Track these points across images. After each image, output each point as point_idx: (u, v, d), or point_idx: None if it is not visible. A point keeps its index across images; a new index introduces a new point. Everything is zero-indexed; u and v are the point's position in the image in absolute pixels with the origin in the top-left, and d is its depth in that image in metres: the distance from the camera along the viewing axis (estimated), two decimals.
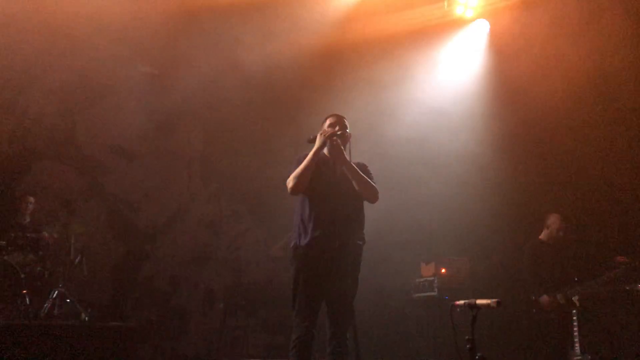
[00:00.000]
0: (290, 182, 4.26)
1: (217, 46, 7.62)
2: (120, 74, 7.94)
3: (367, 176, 4.37)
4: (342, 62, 7.83)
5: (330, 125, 4.41)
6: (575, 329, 6.29)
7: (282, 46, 7.59)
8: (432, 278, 7.32)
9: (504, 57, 7.80)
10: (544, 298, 6.36)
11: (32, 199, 6.92)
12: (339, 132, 4.31)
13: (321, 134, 4.31)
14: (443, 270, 7.35)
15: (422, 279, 7.46)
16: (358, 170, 4.30)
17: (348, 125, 4.46)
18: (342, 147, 4.31)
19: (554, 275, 6.48)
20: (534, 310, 6.41)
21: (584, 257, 6.74)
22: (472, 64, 8.10)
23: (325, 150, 4.39)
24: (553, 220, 6.75)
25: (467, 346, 3.36)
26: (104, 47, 7.70)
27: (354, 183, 4.25)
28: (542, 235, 6.77)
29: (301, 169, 4.24)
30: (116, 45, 7.68)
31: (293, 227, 4.37)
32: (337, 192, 4.28)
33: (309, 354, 4.11)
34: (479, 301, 3.46)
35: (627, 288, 6.74)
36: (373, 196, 4.33)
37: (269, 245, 8.32)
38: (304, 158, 4.33)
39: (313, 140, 4.34)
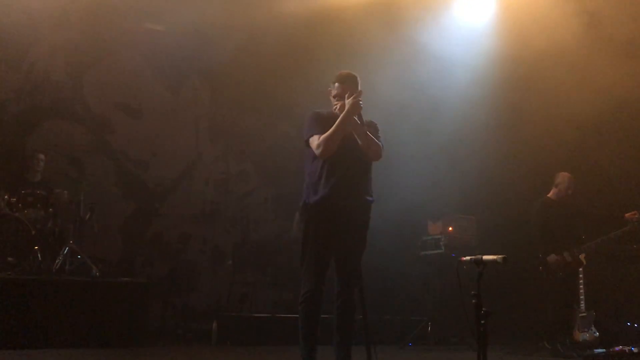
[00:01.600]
0: (321, 145, 4.19)
1: (223, 2, 7.51)
2: (126, 31, 7.87)
3: (375, 135, 4.34)
4: (351, 18, 7.70)
5: (347, 89, 4.30)
6: (581, 286, 6.35)
7: (289, 2, 7.47)
8: (439, 236, 7.36)
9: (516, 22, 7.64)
10: (552, 257, 6.38)
11: (42, 156, 6.94)
12: (355, 95, 4.23)
13: (353, 98, 4.21)
14: (450, 229, 7.39)
15: (429, 237, 7.51)
16: (364, 128, 4.26)
17: (359, 83, 4.40)
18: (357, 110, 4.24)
19: (561, 233, 6.49)
20: (541, 268, 6.44)
21: (593, 215, 6.73)
22: (481, 11, 7.92)
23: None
24: (562, 178, 6.71)
25: (473, 301, 3.39)
26: (109, 3, 7.61)
27: (358, 139, 4.22)
28: (551, 194, 6.75)
29: (332, 133, 4.18)
30: (122, 2, 7.59)
31: (304, 185, 4.37)
32: (347, 150, 4.26)
33: (317, 309, 4.16)
34: (485, 257, 3.48)
35: (635, 246, 6.78)
36: (375, 154, 4.30)
37: (279, 207, 8.38)
38: (321, 117, 4.30)
39: (338, 96, 4.32)
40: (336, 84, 4.39)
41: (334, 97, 4.42)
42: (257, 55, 8.05)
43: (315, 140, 4.23)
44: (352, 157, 4.27)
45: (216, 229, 8.31)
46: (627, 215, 6.33)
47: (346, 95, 4.24)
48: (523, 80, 7.77)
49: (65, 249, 6.36)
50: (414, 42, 7.69)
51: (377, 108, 4.81)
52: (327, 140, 4.18)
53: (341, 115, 4.20)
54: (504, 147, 8.01)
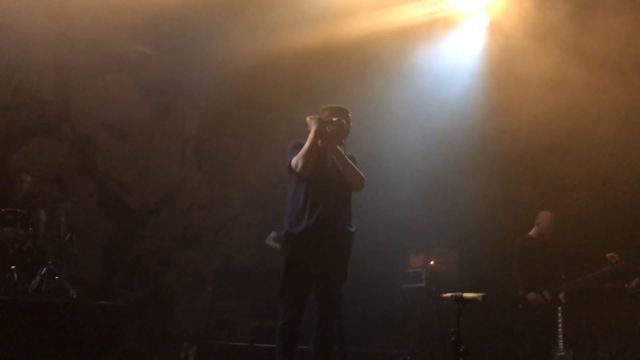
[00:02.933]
0: (299, 161, 4.24)
1: (214, 34, 7.58)
2: (117, 53, 7.90)
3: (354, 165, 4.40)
4: (338, 55, 7.80)
5: (330, 115, 4.39)
6: (560, 325, 6.36)
7: (277, 38, 7.55)
8: (420, 269, 7.37)
9: (503, 52, 7.79)
10: (531, 295, 6.41)
11: (28, 178, 6.86)
12: (333, 120, 4.31)
13: (311, 118, 4.31)
14: (432, 262, 7.40)
15: (410, 270, 7.51)
16: (345, 157, 4.32)
17: (350, 119, 4.47)
18: (336, 136, 4.32)
19: (541, 272, 6.53)
20: (521, 306, 6.46)
21: (573, 254, 6.78)
22: (470, 58, 8.09)
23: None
24: (543, 217, 6.78)
25: (452, 338, 3.40)
26: (103, 25, 7.63)
27: (341, 169, 4.26)
28: (532, 232, 6.81)
29: (306, 149, 4.24)
30: (115, 24, 7.62)
31: (285, 214, 4.38)
32: (329, 181, 4.30)
33: (295, 341, 4.14)
34: (465, 294, 3.50)
35: (613, 286, 6.83)
36: (359, 183, 4.36)
37: (262, 233, 8.34)
38: (301, 144, 4.34)
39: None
40: (327, 114, 4.42)
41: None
42: (245, 84, 8.10)
43: (294, 161, 4.28)
44: (335, 186, 4.31)
45: (197, 254, 8.25)
46: (607, 255, 6.39)
47: (309, 118, 4.31)
48: (509, 115, 7.88)
49: (43, 270, 6.28)
50: (398, 73, 7.81)
51: (361, 139, 4.86)
52: (303, 155, 4.22)
53: (311, 134, 4.25)
54: (488, 183, 8.07)
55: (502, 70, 7.77)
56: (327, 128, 4.30)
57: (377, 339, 7.50)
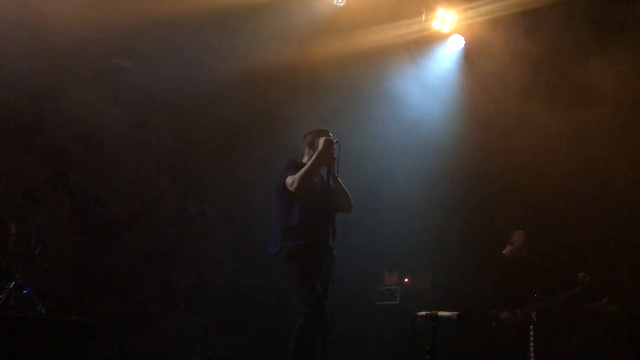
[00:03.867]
0: (296, 181, 4.38)
1: (192, 48, 7.57)
2: (92, 64, 7.82)
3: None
4: (318, 72, 7.86)
5: (313, 139, 4.67)
6: (532, 344, 6.41)
7: (257, 55, 7.58)
8: (395, 287, 7.38)
9: (478, 74, 7.93)
10: (504, 314, 6.46)
11: None
12: (335, 141, 4.55)
13: (326, 139, 4.51)
14: (406, 280, 7.42)
15: (385, 287, 7.51)
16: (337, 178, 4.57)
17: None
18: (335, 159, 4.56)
19: (514, 290, 6.58)
20: (493, 324, 6.49)
21: (546, 273, 6.86)
22: (447, 79, 8.21)
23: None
24: (517, 237, 6.86)
25: (427, 357, 3.40)
26: (78, 37, 7.56)
27: (338, 193, 4.40)
28: (506, 251, 6.88)
29: (309, 169, 4.41)
30: (91, 36, 7.56)
31: (275, 232, 4.43)
32: (323, 201, 4.44)
33: (319, 334, 4.30)
34: (440, 313, 3.51)
35: (586, 306, 6.92)
36: (351, 206, 4.68)
37: (236, 250, 8.29)
38: (296, 163, 4.57)
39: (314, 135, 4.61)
40: (320, 138, 4.59)
41: (312, 147, 4.63)
42: (222, 99, 8.08)
43: (293, 182, 4.34)
44: (326, 208, 4.48)
45: (170, 269, 8.14)
46: (579, 275, 6.47)
47: (320, 139, 4.50)
48: (485, 135, 7.99)
49: (11, 284, 6.13)
50: (379, 93, 7.88)
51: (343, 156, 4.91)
52: (303, 176, 4.36)
53: (315, 153, 4.37)
54: (462, 201, 8.14)
55: (476, 89, 7.90)
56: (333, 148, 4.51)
57: (352, 357, 7.47)
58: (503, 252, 6.87)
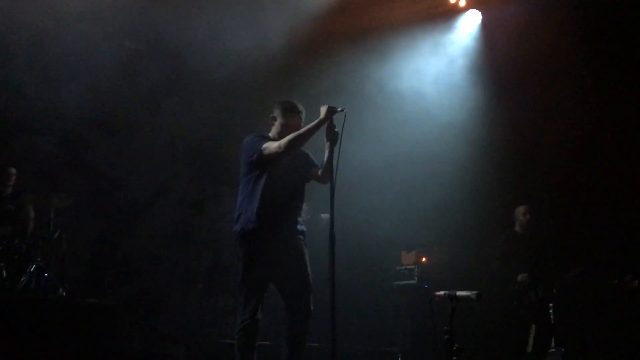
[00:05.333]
0: (284, 144, 4.17)
1: (206, 25, 7.52)
2: (106, 49, 7.81)
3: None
4: (332, 51, 7.79)
5: (283, 111, 4.46)
6: (552, 321, 6.38)
7: (272, 31, 7.51)
8: (412, 266, 7.38)
9: (495, 49, 7.82)
10: (529, 294, 6.43)
11: (14, 170, 6.80)
12: (338, 110, 4.21)
13: (328, 107, 4.21)
14: (423, 259, 7.42)
15: (402, 267, 7.51)
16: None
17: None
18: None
19: (532, 267, 6.53)
20: (515, 303, 6.45)
21: (560, 248, 6.81)
22: (463, 56, 8.11)
23: None
24: (517, 212, 6.86)
25: (446, 337, 3.39)
26: (90, 21, 7.55)
27: (327, 166, 4.16)
28: (516, 227, 6.86)
29: (301, 133, 4.21)
30: (105, 19, 7.54)
31: (238, 209, 4.36)
32: (288, 179, 4.34)
33: (255, 338, 4.18)
34: (459, 293, 3.48)
35: (603, 282, 6.86)
36: (329, 179, 4.19)
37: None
38: (263, 136, 4.36)
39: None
40: (322, 106, 4.30)
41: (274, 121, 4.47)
42: (236, 79, 8.04)
43: (273, 144, 4.22)
44: (293, 184, 4.35)
45: (188, 251, 8.19)
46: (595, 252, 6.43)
47: (322, 107, 4.23)
48: (499, 113, 7.90)
49: (31, 267, 6.21)
50: (401, 91, 7.83)
51: (352, 138, 4.84)
52: (290, 139, 4.17)
53: (317, 120, 4.20)
54: (478, 180, 8.07)
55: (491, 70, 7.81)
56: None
57: (369, 337, 7.50)
58: (514, 228, 6.85)
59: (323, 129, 4.19)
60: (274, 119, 4.47)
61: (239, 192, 4.42)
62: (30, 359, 5.42)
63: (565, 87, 7.48)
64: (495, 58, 7.89)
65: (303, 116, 4.46)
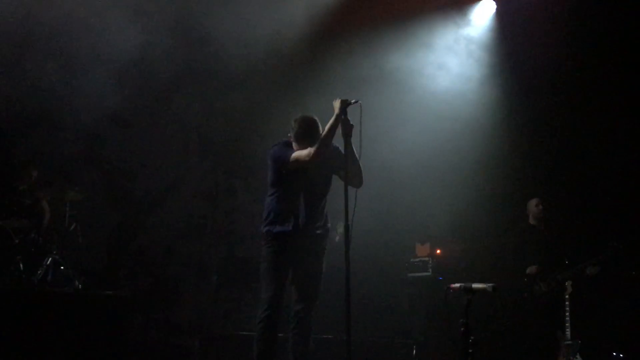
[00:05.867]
0: (313, 151, 4.22)
1: (219, 16, 7.50)
2: (119, 41, 7.82)
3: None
4: (345, 40, 7.75)
5: (300, 128, 4.42)
6: (567, 314, 6.33)
7: (284, 19, 7.48)
8: (426, 258, 7.36)
9: (510, 40, 7.75)
10: (539, 285, 6.40)
11: (36, 173, 6.78)
12: (352, 102, 4.23)
13: (342, 100, 4.23)
14: (438, 251, 7.40)
15: (416, 259, 7.49)
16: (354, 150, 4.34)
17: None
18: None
19: (545, 259, 6.51)
20: (525, 295, 6.43)
21: (574, 239, 6.76)
22: (478, 49, 8.04)
23: None
24: (530, 205, 6.85)
25: (461, 329, 3.37)
26: (104, 14, 7.57)
27: (349, 163, 4.21)
28: (530, 220, 6.83)
29: (326, 136, 4.23)
30: (115, 12, 7.55)
31: (267, 210, 4.46)
32: (316, 182, 4.39)
33: (275, 330, 4.27)
34: (474, 285, 3.46)
35: (620, 273, 6.81)
36: (361, 182, 4.37)
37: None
38: (288, 142, 4.41)
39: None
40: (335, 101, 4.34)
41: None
42: (250, 71, 8.03)
43: (302, 154, 4.26)
44: (319, 187, 4.40)
45: (202, 243, 8.22)
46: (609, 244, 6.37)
47: (335, 101, 4.26)
48: (516, 107, 7.84)
49: (47, 260, 6.26)
50: (416, 82, 7.78)
51: (366, 130, 4.82)
52: (321, 144, 4.20)
53: (333, 117, 4.21)
54: (493, 172, 8.02)
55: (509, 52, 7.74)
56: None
57: (384, 329, 7.49)
58: (529, 221, 6.83)
59: None
60: (292, 129, 4.47)
61: (268, 193, 4.53)
62: (47, 350, 5.48)
63: (582, 79, 7.40)
64: (510, 50, 7.81)
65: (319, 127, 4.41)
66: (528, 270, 6.45)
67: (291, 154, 4.31)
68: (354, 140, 4.24)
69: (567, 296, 6.33)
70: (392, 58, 7.80)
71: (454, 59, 7.94)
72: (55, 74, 7.63)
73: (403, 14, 7.67)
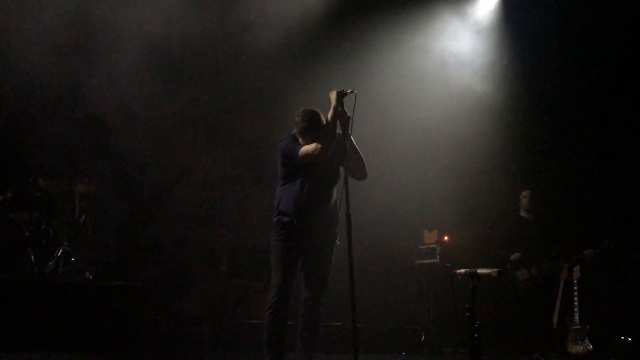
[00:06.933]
0: (319, 146, 4.23)
1: (224, 6, 7.51)
2: (126, 34, 7.84)
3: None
4: (350, 28, 7.73)
5: (303, 121, 4.41)
6: (576, 299, 6.34)
7: (289, 10, 7.47)
8: (434, 245, 7.38)
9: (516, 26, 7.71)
10: (521, 272, 6.47)
11: (42, 183, 6.77)
12: (347, 92, 4.22)
13: (337, 91, 4.23)
14: (446, 238, 7.41)
15: (424, 246, 7.52)
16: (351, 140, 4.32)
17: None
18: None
19: (528, 247, 6.55)
20: (507, 280, 6.49)
21: (561, 232, 6.78)
22: (484, 31, 8.01)
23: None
24: (521, 196, 6.89)
25: (467, 314, 3.39)
26: (109, 7, 7.59)
27: (353, 159, 4.24)
28: (521, 212, 6.88)
29: (329, 130, 4.25)
30: (123, 5, 7.57)
31: (277, 200, 4.48)
32: (325, 173, 4.38)
33: (285, 316, 4.30)
34: (479, 270, 3.48)
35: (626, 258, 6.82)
36: (365, 174, 4.42)
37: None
38: (295, 136, 4.41)
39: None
40: (331, 92, 4.35)
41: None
42: (257, 61, 8.03)
43: (309, 149, 4.27)
44: (328, 177, 4.40)
45: (211, 233, 8.27)
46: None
47: (331, 93, 4.27)
48: (523, 94, 7.82)
49: (58, 251, 6.33)
50: (420, 68, 7.75)
51: (372, 117, 4.82)
52: (327, 139, 4.22)
53: (332, 110, 4.23)
54: (502, 158, 8.01)
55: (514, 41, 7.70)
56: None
57: (392, 315, 7.53)
58: (519, 213, 6.89)
59: None
60: (296, 124, 4.47)
61: (278, 184, 4.55)
62: (59, 340, 5.56)
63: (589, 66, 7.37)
64: (516, 35, 7.78)
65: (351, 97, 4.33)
66: (512, 257, 6.53)
67: (299, 150, 4.32)
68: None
69: (575, 281, 6.36)
70: (400, 45, 7.79)
71: (459, 45, 7.91)
72: (62, 67, 7.68)
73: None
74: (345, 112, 4.19)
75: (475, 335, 3.34)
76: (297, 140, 4.42)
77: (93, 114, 7.85)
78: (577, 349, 6.25)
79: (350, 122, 4.21)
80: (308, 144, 4.33)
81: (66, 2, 7.36)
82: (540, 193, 6.93)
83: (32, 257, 6.22)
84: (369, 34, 7.76)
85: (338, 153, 4.31)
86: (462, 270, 3.57)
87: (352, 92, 4.18)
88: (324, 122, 4.33)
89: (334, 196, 4.45)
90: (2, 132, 7.33)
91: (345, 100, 4.25)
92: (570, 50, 7.47)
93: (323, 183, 4.40)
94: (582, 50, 7.41)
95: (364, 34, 7.76)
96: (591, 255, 6.34)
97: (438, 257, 7.27)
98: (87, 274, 6.28)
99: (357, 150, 4.33)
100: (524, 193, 6.87)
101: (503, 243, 6.76)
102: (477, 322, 3.35)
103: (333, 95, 4.22)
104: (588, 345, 6.24)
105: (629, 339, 6.88)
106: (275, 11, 7.46)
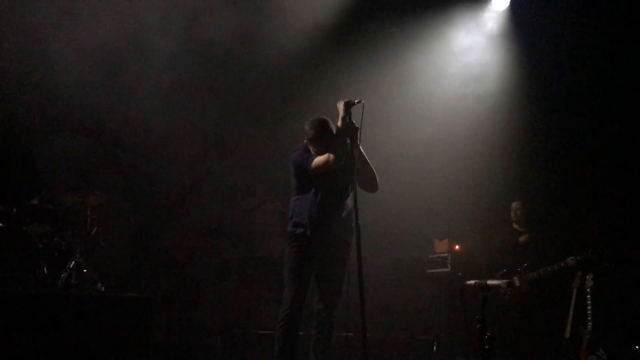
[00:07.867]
0: (330, 156, 4.24)
1: (235, 20, 7.55)
2: (137, 46, 7.91)
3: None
4: (359, 40, 7.76)
5: (311, 129, 4.44)
6: (589, 308, 6.28)
7: (299, 23, 7.50)
8: (445, 254, 7.34)
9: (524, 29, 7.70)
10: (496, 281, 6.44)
11: (55, 195, 6.84)
12: (355, 102, 4.24)
13: (345, 101, 4.26)
14: (457, 247, 7.37)
15: (435, 255, 7.49)
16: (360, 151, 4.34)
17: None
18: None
19: (518, 258, 6.52)
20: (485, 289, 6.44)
21: (546, 244, 6.73)
22: (493, 35, 7.99)
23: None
24: (512, 208, 6.89)
25: (477, 325, 3.38)
26: (122, 20, 7.66)
27: (363, 170, 4.25)
28: (513, 224, 6.86)
29: (339, 142, 4.27)
30: (135, 18, 7.64)
31: (291, 212, 4.48)
32: (338, 184, 4.39)
33: (296, 329, 4.32)
34: (490, 282, 3.47)
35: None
36: (376, 187, 4.44)
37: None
38: (307, 147, 4.44)
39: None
40: (339, 102, 4.38)
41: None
42: (267, 72, 8.07)
43: (321, 160, 4.26)
44: (342, 188, 4.40)
45: (222, 243, 8.30)
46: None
47: (339, 103, 4.29)
48: (533, 99, 7.79)
49: (71, 263, 6.37)
50: (432, 75, 7.76)
51: (382, 127, 4.83)
52: (337, 150, 4.24)
53: (340, 121, 4.25)
54: (512, 169, 7.98)
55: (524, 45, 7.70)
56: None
57: (404, 325, 7.50)
58: (512, 225, 6.87)
59: None
60: (306, 134, 4.50)
61: (292, 196, 4.56)
62: (73, 352, 5.58)
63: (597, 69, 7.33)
64: (526, 38, 7.76)
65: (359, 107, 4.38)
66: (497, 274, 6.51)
67: (312, 161, 4.34)
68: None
69: (588, 289, 6.30)
70: (406, 50, 7.80)
71: (469, 49, 7.90)
72: (74, 79, 7.75)
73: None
74: (353, 124, 4.20)
75: (486, 347, 3.33)
76: (309, 150, 4.43)
77: (104, 125, 7.91)
78: (591, 359, 6.18)
79: (359, 132, 4.23)
80: (319, 152, 4.34)
81: (84, 15, 7.44)
82: (538, 203, 6.90)
83: (45, 269, 6.25)
84: (377, 45, 7.78)
85: (350, 164, 4.33)
86: (472, 282, 3.56)
87: (359, 102, 4.19)
88: (334, 130, 4.34)
89: (348, 207, 4.45)
90: (15, 146, 7.41)
91: (353, 110, 4.26)
92: (583, 58, 7.43)
93: (336, 194, 4.40)
94: (592, 59, 7.37)
95: (373, 44, 7.77)
96: (572, 263, 6.27)
97: (449, 266, 7.24)
98: (99, 285, 6.31)
99: (366, 161, 4.33)
100: (513, 205, 6.87)
101: (497, 254, 6.75)
102: (488, 334, 3.34)
103: (340, 106, 4.24)
104: (602, 355, 6.18)
105: None
106: (286, 23, 7.50)
